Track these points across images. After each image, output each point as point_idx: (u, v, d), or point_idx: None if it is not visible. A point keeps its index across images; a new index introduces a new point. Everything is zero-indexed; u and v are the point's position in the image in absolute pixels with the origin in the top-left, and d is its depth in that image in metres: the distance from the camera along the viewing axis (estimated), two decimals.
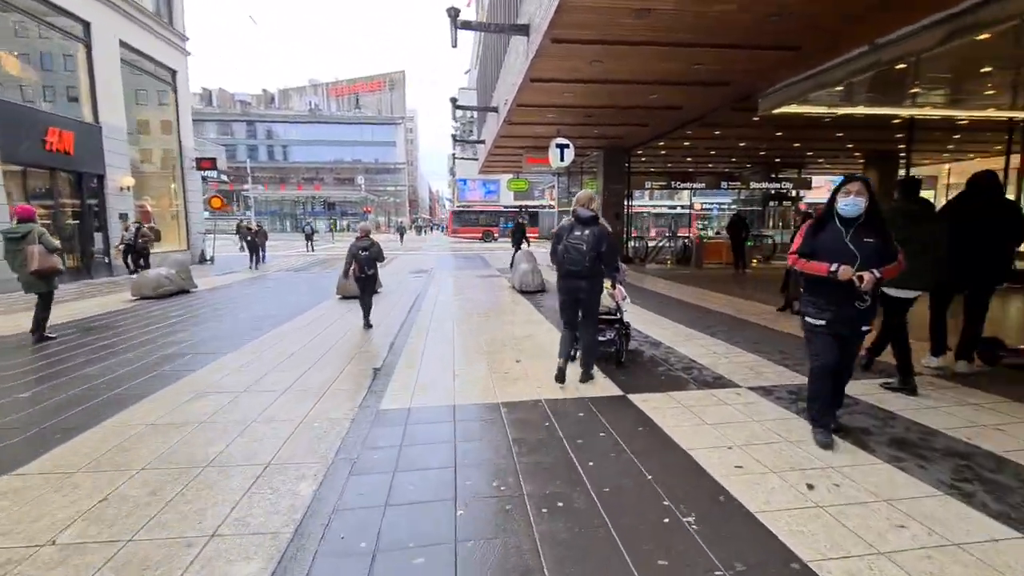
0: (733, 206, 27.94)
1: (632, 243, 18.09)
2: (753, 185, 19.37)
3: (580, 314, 4.36)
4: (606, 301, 4.76)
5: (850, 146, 16.45)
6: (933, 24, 6.25)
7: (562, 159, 13.47)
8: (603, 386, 4.31)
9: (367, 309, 7.08)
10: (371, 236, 7.00)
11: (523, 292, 10.29)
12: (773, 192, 21.35)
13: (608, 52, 7.46)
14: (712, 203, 46.99)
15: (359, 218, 58.15)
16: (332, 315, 8.04)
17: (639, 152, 17.48)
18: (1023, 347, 4.62)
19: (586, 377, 4.39)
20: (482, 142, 19.40)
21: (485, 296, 9.91)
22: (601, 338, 4.82)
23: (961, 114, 10.61)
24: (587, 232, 4.14)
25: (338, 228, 60.38)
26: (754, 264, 15.46)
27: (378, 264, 7.02)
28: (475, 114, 23.93)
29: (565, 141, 13.36)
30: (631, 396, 4.06)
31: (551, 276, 13.42)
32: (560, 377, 4.34)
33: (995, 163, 18.55)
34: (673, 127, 13.14)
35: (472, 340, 6.14)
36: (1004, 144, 11.82)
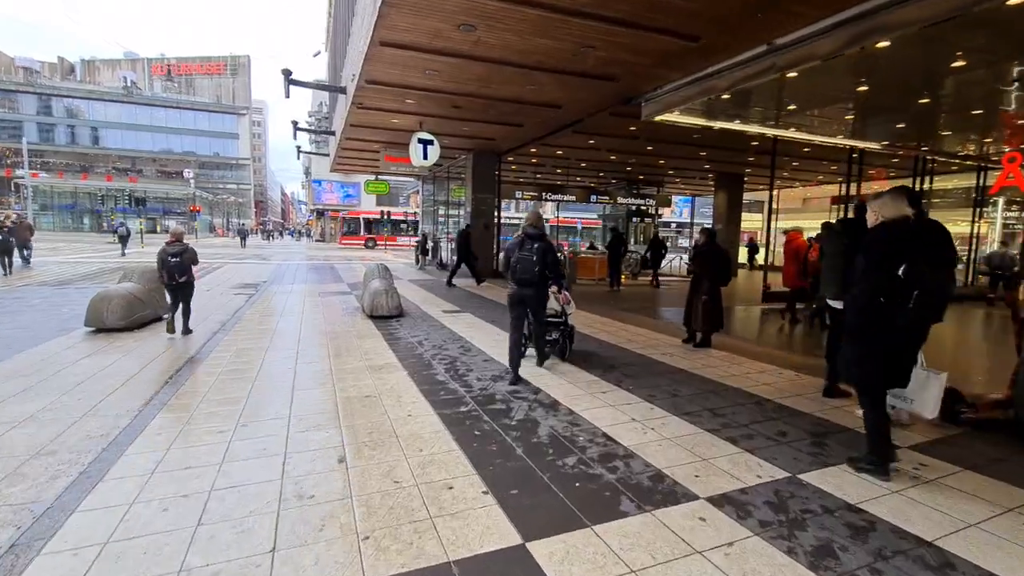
0: (597, 221, 28.43)
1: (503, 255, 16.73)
2: (620, 200, 19.36)
3: (529, 316, 5.21)
4: (553, 305, 5.50)
5: (707, 167, 17.08)
6: (836, 26, 5.64)
7: (425, 157, 11.51)
8: (489, 525, 2.43)
9: (185, 316, 6.71)
10: (184, 240, 6.61)
11: (374, 317, 8.08)
12: (635, 208, 21.79)
13: (479, 8, 5.73)
14: (576, 217, 48.70)
15: (186, 218, 49.48)
16: (53, 365, 5.04)
17: (510, 159, 16.25)
18: (989, 397, 3.81)
19: (541, 360, 5.38)
20: (332, 133, 16.59)
21: (323, 325, 7.49)
22: (548, 337, 5.56)
23: (816, 139, 10.99)
24: (536, 246, 4.81)
25: (160, 229, 50.67)
26: (624, 280, 15.03)
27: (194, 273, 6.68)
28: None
29: (429, 136, 11.43)
30: (533, 547, 2.25)
31: (416, 295, 11.37)
32: (515, 380, 4.80)
33: (832, 190, 21.01)
34: (549, 131, 11.99)
35: (266, 429, 3.86)
36: (845, 171, 12.68)
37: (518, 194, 17.82)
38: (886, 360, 2.80)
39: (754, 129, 10.35)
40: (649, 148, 14.00)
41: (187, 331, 6.67)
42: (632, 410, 4.08)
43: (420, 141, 11.38)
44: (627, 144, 13.48)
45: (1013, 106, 9.28)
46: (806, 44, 6.04)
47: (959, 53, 6.67)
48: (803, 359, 5.89)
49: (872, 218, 2.96)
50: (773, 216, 24.00)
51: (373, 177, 21.55)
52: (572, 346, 5.82)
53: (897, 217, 2.82)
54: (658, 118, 9.33)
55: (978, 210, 13.91)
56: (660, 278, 14.84)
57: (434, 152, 11.54)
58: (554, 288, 5.21)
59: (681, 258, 20.75)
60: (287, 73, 9.92)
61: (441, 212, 20.73)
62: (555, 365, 5.47)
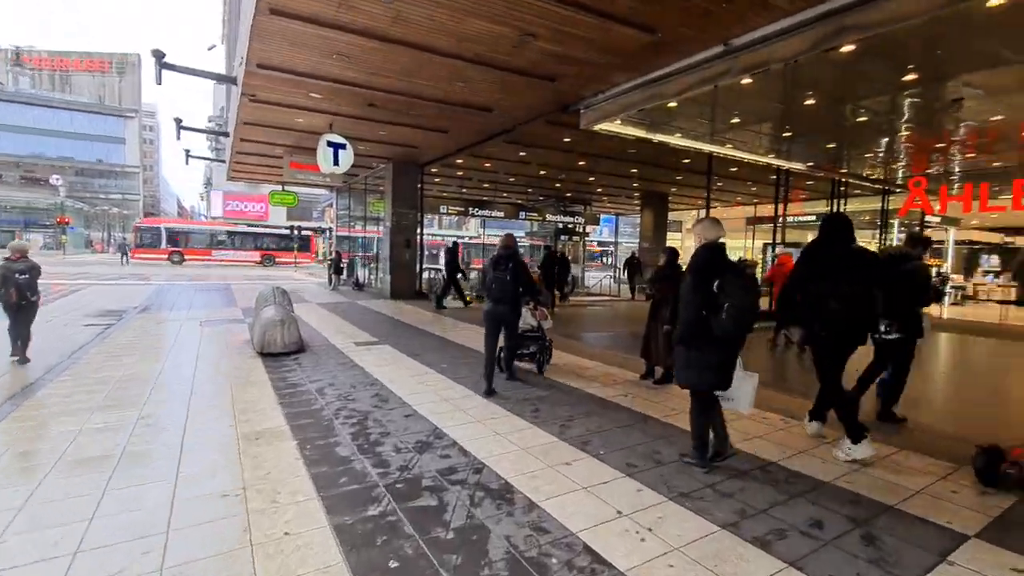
0: (524, 238, 27.82)
1: (428, 275, 15.34)
2: (549, 217, 18.73)
3: (504, 333, 5.37)
4: (531, 320, 5.84)
5: (636, 184, 16.90)
6: (801, 25, 5.10)
7: (336, 163, 10.00)
8: None
9: (24, 341, 6.06)
10: (29, 256, 6.12)
11: (266, 355, 6.44)
12: (564, 226, 21.32)
13: None
14: (495, 234, 48.37)
15: (54, 232, 42.85)
16: None
17: (434, 170, 15.01)
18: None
19: (511, 375, 5.57)
20: (225, 134, 14.43)
21: (189, 370, 5.75)
22: (524, 351, 5.87)
23: (748, 156, 10.86)
24: (510, 266, 5.07)
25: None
26: (557, 301, 14.21)
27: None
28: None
29: (341, 140, 9.95)
30: None
31: (325, 323, 9.67)
32: (489, 391, 4.99)
33: (747, 211, 21.74)
34: (478, 139, 10.94)
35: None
36: (765, 192, 12.77)
37: (443, 209, 16.59)
38: (706, 366, 3.20)
39: (691, 144, 9.97)
40: (581, 163, 13.40)
41: (25, 359, 6.02)
42: (612, 494, 2.98)
43: (330, 144, 9.85)
44: (559, 158, 12.77)
45: (919, 133, 9.60)
46: (766, 45, 5.48)
47: (872, 79, 6.55)
48: (791, 399, 5.15)
49: (697, 239, 3.37)
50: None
51: (280, 187, 19.29)
52: (550, 359, 6.05)
53: (713, 240, 3.28)
54: (598, 127, 8.61)
55: (883, 231, 14.71)
56: (581, 298, 14.18)
57: (347, 158, 10.05)
58: (531, 304, 5.74)
59: (612, 277, 20.48)
60: (158, 56, 8.05)
61: (359, 227, 18.92)
62: (506, 418, 4.28)
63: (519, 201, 20.66)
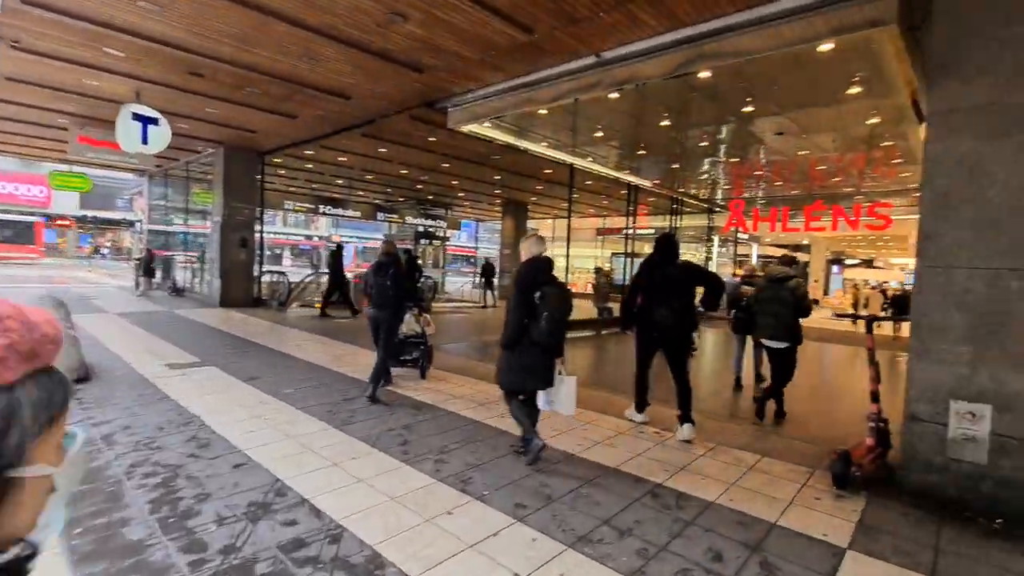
0: (379, 240, 26.38)
1: (269, 278, 13.44)
2: (410, 220, 17.89)
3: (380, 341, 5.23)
4: (415, 327, 5.96)
5: (498, 191, 16.96)
6: (668, 46, 5.30)
7: (145, 142, 8.12)
8: None
9: None
10: None
11: None
12: (425, 230, 20.64)
13: None
14: (355, 236, 45.23)
15: None
16: None
17: (278, 160, 13.25)
18: (867, 453, 3.43)
19: (374, 392, 4.96)
20: None
21: None
22: (407, 357, 5.91)
23: (605, 171, 11.44)
24: (391, 272, 5.21)
25: None
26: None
27: None
28: None
29: (152, 113, 8.10)
30: None
31: (126, 339, 7.64)
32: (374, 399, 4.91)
33: (596, 223, 23.15)
34: (333, 129, 9.79)
35: None
36: (614, 205, 13.68)
37: (288, 205, 14.75)
38: (526, 369, 3.54)
39: (556, 155, 10.15)
40: (445, 165, 12.93)
41: None
42: (506, 549, 2.52)
43: (137, 118, 7.93)
44: (423, 158, 12.12)
45: (741, 160, 11.09)
46: (634, 62, 5.60)
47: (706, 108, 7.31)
48: (661, 408, 5.23)
49: (523, 255, 3.70)
50: (557, 244, 25.62)
51: (66, 167, 15.38)
52: (431, 366, 6.14)
53: (536, 255, 3.62)
54: (466, 128, 8.26)
55: (708, 246, 16.84)
56: (442, 304, 13.76)
57: (160, 137, 8.20)
58: (416, 311, 5.88)
59: (473, 283, 20.29)
60: None
61: (179, 221, 15.92)
62: (370, 456, 3.56)
63: (376, 201, 19.45)
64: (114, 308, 10.90)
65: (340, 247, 12.04)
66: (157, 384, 5.23)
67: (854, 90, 6.31)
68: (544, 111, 7.50)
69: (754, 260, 22.67)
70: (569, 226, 11.32)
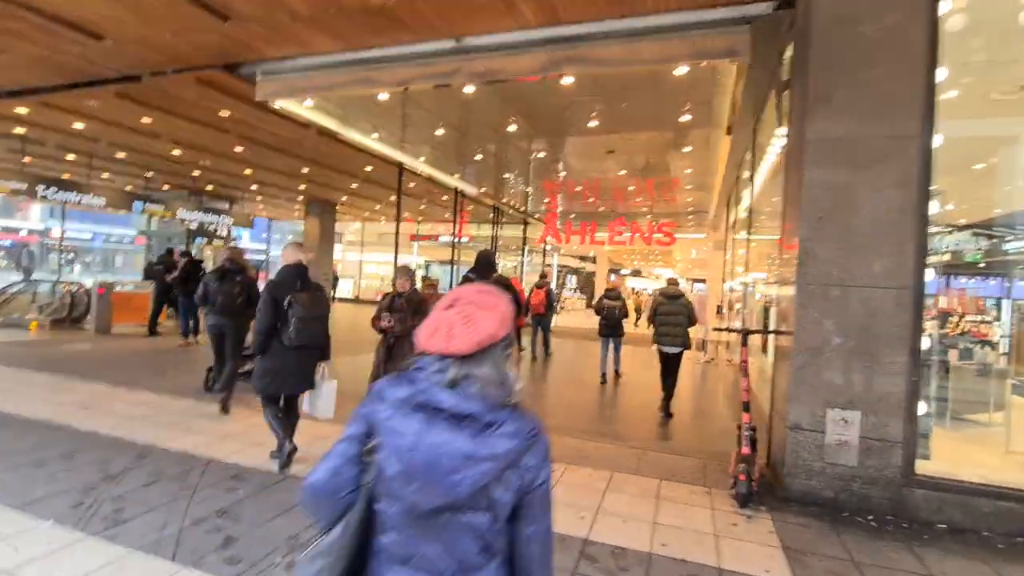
0: (140, 238, 20.88)
1: None
2: (183, 215, 14.37)
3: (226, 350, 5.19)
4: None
5: (303, 187, 14.79)
6: (539, 42, 4.95)
7: None
8: None
9: None
10: None
11: None
12: (202, 226, 16.90)
13: None
14: (95, 232, 35.18)
15: None
16: None
17: None
18: (756, 464, 3.48)
19: (226, 401, 4.80)
20: None
21: None
22: (243, 370, 5.21)
23: (437, 173, 10.77)
24: (237, 279, 5.18)
25: None
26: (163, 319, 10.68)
27: None
28: None
29: None
30: None
31: None
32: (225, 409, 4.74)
33: (411, 228, 22.00)
34: (66, 81, 6.98)
35: None
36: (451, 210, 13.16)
37: None
38: (276, 372, 3.54)
39: (387, 150, 9.10)
40: (239, 149, 10.60)
41: None
42: None
43: None
44: (208, 137, 9.68)
45: (563, 173, 11.70)
46: (496, 55, 5.13)
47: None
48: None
49: (282, 262, 3.75)
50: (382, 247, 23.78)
51: None
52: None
53: (291, 262, 3.65)
54: (279, 104, 6.73)
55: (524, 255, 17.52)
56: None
57: None
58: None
59: None
60: None
61: None
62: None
63: (129, 188, 15.09)
64: None
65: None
66: None
67: (685, 118, 6.97)
68: (384, 96, 6.50)
69: (554, 269, 24.69)
70: (398, 231, 10.29)
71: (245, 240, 37.97)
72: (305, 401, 3.74)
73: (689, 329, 6.11)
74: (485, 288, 0.98)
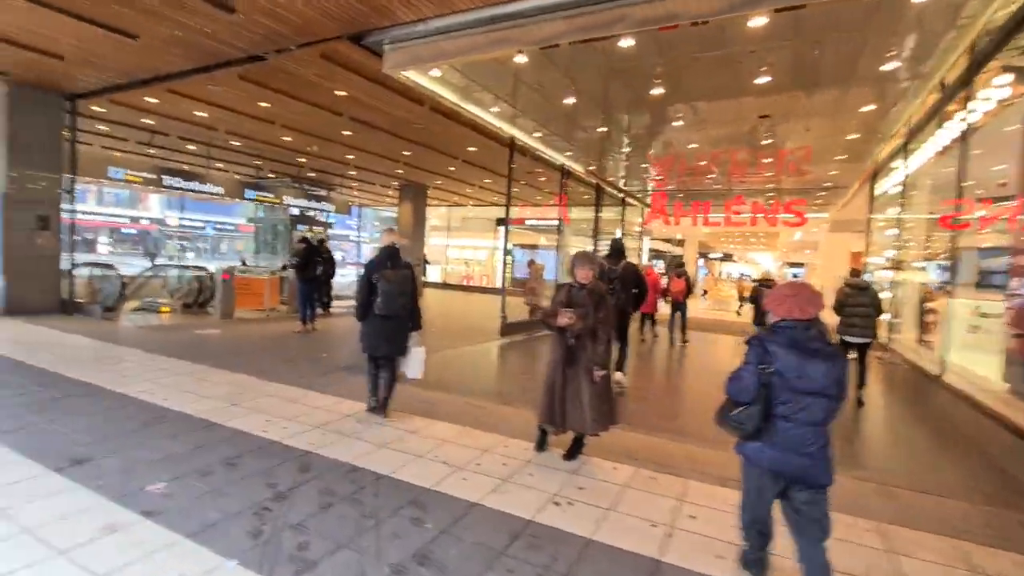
0: (249, 227, 22.06)
1: (88, 274, 9.71)
2: (290, 201, 14.70)
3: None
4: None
5: (400, 171, 14.62)
6: None
7: None
8: None
9: None
10: None
11: None
12: (302, 213, 17.37)
13: None
14: (203, 220, 38.06)
15: None
16: None
17: (98, 108, 9.56)
18: None
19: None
20: None
21: None
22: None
23: (543, 148, 10.02)
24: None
25: None
26: (283, 305, 10.81)
27: None
28: None
29: None
30: None
31: None
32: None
33: (497, 212, 21.56)
34: (194, 65, 6.92)
35: None
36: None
37: (115, 173, 10.83)
38: (374, 337, 4.17)
39: (500, 124, 8.44)
40: (347, 133, 10.44)
41: None
42: None
43: None
44: (320, 121, 9.54)
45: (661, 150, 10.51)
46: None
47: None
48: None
49: (380, 243, 4.41)
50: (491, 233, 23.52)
51: None
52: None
53: (385, 244, 4.26)
54: (406, 75, 6.23)
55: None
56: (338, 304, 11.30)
57: None
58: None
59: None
60: None
61: None
62: None
63: (238, 176, 15.69)
64: None
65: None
66: None
67: (888, 67, 5.69)
68: (521, 58, 5.81)
69: (645, 253, 23.29)
70: (508, 216, 9.68)
71: (335, 227, 39.52)
72: (402, 363, 4.32)
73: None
74: (804, 282, 2.27)
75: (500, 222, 22.74)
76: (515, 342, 8.94)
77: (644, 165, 12.11)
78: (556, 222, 18.39)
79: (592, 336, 3.44)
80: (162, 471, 3.04)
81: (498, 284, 23.11)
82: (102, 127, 10.96)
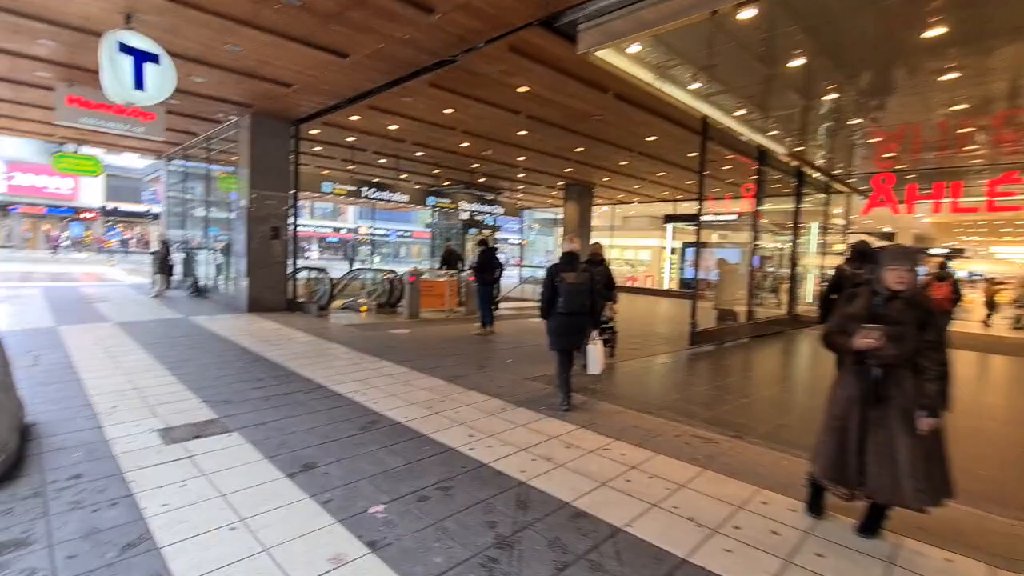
0: (426, 233, 23.98)
1: (306, 276, 11.12)
2: (465, 206, 15.35)
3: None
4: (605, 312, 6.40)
5: (569, 169, 14.25)
6: None
7: (140, 85, 5.73)
8: None
9: None
10: None
11: None
12: (471, 218, 18.10)
13: None
14: (390, 229, 42.93)
15: None
16: None
17: (314, 132, 10.86)
18: None
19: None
20: None
21: None
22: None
23: (739, 128, 8.64)
24: (598, 268, 5.99)
25: None
26: (460, 306, 10.96)
27: None
28: None
29: (148, 44, 5.72)
30: None
31: (120, 371, 4.84)
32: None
33: (664, 209, 20.26)
34: (388, 78, 7.27)
35: None
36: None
37: (327, 186, 12.32)
38: (557, 333, 4.50)
39: (692, 102, 7.40)
40: (522, 133, 10.32)
41: None
42: None
43: (127, 50, 5.52)
44: (497, 121, 9.53)
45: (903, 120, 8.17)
46: None
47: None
48: None
49: (563, 248, 4.73)
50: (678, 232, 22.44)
51: (70, 147, 13.27)
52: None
53: (566, 249, 4.64)
54: (601, 54, 5.61)
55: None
56: (507, 305, 11.14)
57: (161, 80, 5.81)
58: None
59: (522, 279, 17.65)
60: None
61: (199, 212, 13.69)
62: None
63: (417, 186, 16.92)
64: (118, 315, 8.66)
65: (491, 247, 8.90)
66: (133, 484, 2.78)
67: None
68: (749, 12, 4.81)
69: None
70: (701, 201, 8.53)
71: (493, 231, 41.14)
72: (581, 357, 4.78)
73: None
74: None
75: (669, 219, 21.15)
76: (708, 352, 7.80)
77: (871, 141, 9.82)
78: (733, 217, 16.31)
79: (912, 367, 2.41)
80: (381, 490, 2.86)
81: (666, 285, 21.54)
82: (316, 148, 12.51)
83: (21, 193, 34.30)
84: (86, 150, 13.57)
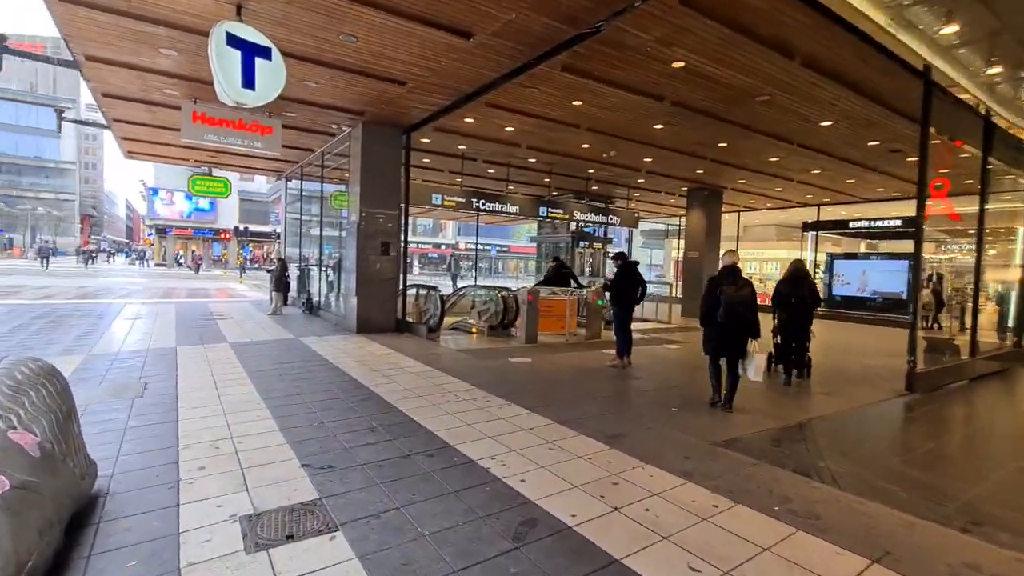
0: (530, 248, 23.04)
1: (415, 294, 10.41)
2: (579, 216, 14.02)
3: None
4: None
5: (700, 171, 12.37)
6: None
7: (251, 85, 5.10)
8: None
9: None
10: None
11: None
12: (581, 230, 16.70)
13: None
14: (489, 244, 43.05)
15: None
16: None
17: (426, 140, 10.19)
18: None
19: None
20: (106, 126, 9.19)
21: None
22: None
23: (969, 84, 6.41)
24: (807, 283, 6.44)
25: None
26: (580, 329, 9.48)
27: None
28: None
29: (258, 37, 5.08)
30: None
31: (206, 416, 4.11)
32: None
33: (805, 215, 17.38)
34: (514, 64, 6.16)
35: None
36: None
37: (436, 198, 11.64)
38: (713, 341, 4.94)
39: (946, 67, 5.44)
40: (658, 127, 8.78)
41: None
42: None
43: (236, 42, 4.92)
44: (632, 113, 8.09)
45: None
46: None
47: None
48: None
49: (721, 263, 5.19)
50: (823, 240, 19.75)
51: (203, 169, 14.01)
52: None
53: (726, 263, 5.02)
54: None
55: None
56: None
57: (271, 77, 5.16)
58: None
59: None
60: None
61: (315, 230, 13.77)
62: None
63: (527, 194, 15.86)
64: (233, 334, 8.40)
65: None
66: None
67: None
68: None
69: None
70: (921, 210, 6.43)
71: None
72: (741, 366, 4.88)
73: None
74: None
75: (809, 226, 18.19)
76: (941, 401, 5.65)
77: None
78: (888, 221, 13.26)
79: None
80: None
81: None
82: (425, 159, 11.92)
83: (169, 219, 38.94)
84: (217, 173, 14.30)
